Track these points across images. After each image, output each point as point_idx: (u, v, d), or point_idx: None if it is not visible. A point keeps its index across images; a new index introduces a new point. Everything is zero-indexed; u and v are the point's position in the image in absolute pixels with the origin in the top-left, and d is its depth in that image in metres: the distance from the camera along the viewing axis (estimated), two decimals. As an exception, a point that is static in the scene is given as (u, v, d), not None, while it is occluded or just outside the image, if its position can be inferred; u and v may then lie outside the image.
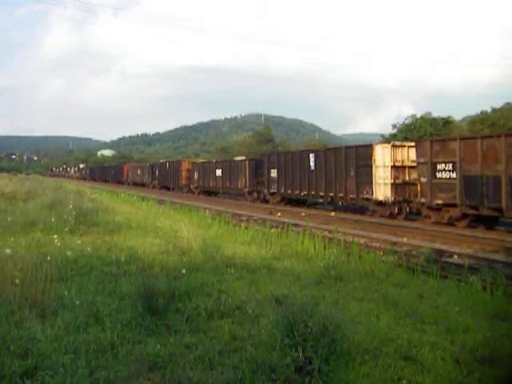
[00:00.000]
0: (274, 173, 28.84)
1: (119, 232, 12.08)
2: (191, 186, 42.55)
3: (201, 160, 47.08)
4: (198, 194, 40.41)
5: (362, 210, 23.26)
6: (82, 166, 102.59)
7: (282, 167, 28.10)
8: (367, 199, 21.64)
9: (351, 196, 22.55)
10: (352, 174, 22.33)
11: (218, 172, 37.33)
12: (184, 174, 44.45)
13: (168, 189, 47.93)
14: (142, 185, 56.23)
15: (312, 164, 25.28)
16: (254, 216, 20.95)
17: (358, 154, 22.16)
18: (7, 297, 5.34)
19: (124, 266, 7.75)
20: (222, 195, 38.69)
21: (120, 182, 65.68)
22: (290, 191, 27.36)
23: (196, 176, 41.70)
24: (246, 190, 33.17)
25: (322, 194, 24.65)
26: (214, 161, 41.44)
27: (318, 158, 25.08)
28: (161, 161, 56.30)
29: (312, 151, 26.65)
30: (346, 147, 24.24)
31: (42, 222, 11.78)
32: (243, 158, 37.92)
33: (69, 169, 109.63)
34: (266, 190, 29.97)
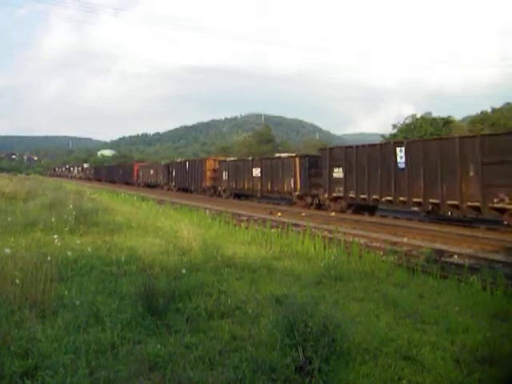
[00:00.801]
0: (338, 172, 23.27)
1: (119, 232, 12.08)
2: (219, 189, 36.45)
3: (231, 158, 39.66)
4: (227, 197, 34.87)
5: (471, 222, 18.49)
6: (85, 165, 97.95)
7: (351, 165, 22.48)
8: (503, 210, 15.70)
9: (471, 204, 16.75)
10: (472, 173, 16.69)
11: (256, 172, 31.24)
12: (208, 174, 38.52)
13: (187, 191, 43.00)
14: (155, 186, 51.75)
15: (401, 160, 19.85)
16: (254, 216, 20.95)
17: (486, 146, 16.27)
18: (7, 297, 5.33)
19: (124, 265, 7.75)
20: (261, 199, 32.49)
21: (129, 183, 61.17)
22: (363, 196, 21.77)
23: (225, 176, 35.59)
24: (296, 193, 26.99)
25: (417, 200, 19.02)
26: (251, 158, 34.45)
27: (409, 151, 19.49)
28: (178, 159, 50.21)
29: (400, 143, 20.97)
30: (462, 137, 18.57)
31: (42, 221, 11.77)
32: (291, 154, 31.16)
33: (72, 169, 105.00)
34: (325, 195, 24.10)
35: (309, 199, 26.24)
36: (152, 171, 54.21)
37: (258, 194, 31.98)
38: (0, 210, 14.49)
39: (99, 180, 75.91)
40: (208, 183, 38.54)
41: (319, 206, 25.30)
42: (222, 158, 40.28)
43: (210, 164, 39.17)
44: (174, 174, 46.65)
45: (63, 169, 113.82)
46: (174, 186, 46.13)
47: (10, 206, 15.66)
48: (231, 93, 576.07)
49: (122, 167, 69.89)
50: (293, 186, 27.27)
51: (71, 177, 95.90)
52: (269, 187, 30.14)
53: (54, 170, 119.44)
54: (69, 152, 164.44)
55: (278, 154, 34.34)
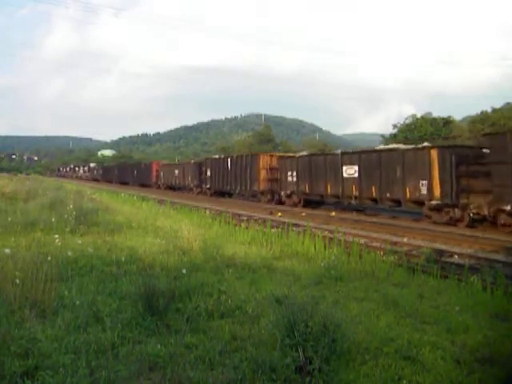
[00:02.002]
0: None
1: (120, 232, 12.08)
2: (281, 193, 28.18)
3: (303, 153, 30.69)
4: (295, 204, 26.55)
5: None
6: (92, 165, 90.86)
7: None
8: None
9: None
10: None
11: (350, 170, 22.64)
12: (263, 174, 30.23)
13: (225, 195, 36.31)
14: (180, 189, 45.72)
15: None
16: (254, 216, 20.94)
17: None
18: (7, 297, 5.33)
19: (124, 265, 7.74)
20: (358, 209, 23.82)
21: (145, 185, 53.99)
22: None
23: (291, 177, 27.07)
24: (433, 202, 18.31)
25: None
26: (340, 152, 24.60)
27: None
28: (216, 156, 41.21)
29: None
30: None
31: (42, 221, 11.78)
32: (424, 144, 20.82)
33: (77, 169, 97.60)
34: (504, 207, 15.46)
35: (457, 212, 17.44)
36: (177, 171, 46.14)
37: (353, 202, 23.24)
38: (0, 209, 14.48)
39: (109, 181, 68.38)
40: (263, 186, 30.26)
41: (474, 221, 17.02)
42: (287, 154, 33.10)
43: (264, 161, 30.76)
44: (208, 174, 37.86)
45: (67, 169, 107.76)
46: (209, 189, 37.81)
47: (10, 206, 15.65)
48: (231, 93, 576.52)
49: (136, 167, 61.72)
50: (426, 191, 18.70)
51: (76, 177, 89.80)
52: (374, 192, 21.30)
53: (59, 170, 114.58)
54: (69, 152, 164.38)
55: (390, 145, 25.75)
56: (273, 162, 30.69)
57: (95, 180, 75.51)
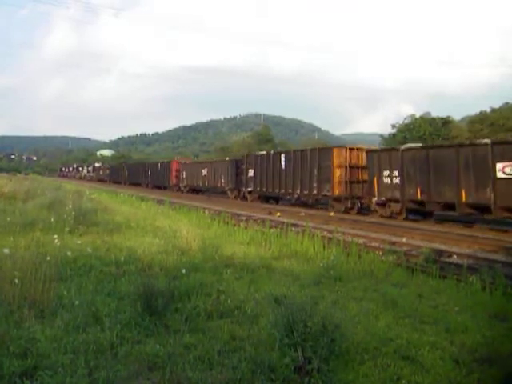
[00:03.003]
0: None
1: (118, 232, 12.07)
2: (374, 200, 21.35)
3: (410, 145, 22.27)
4: (395, 215, 20.33)
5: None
6: (97, 164, 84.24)
7: None
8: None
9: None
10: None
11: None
12: (339, 173, 23.28)
13: (272, 201, 30.27)
14: (208, 192, 40.38)
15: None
16: (253, 216, 20.94)
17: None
18: (6, 297, 5.33)
19: (123, 265, 7.74)
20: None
21: (160, 187, 48.94)
22: None
23: (392, 179, 20.26)
24: None
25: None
26: (489, 142, 16.62)
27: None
28: (262, 152, 32.24)
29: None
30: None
31: (41, 221, 11.76)
32: None
33: (80, 169, 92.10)
34: None
35: None
36: (205, 171, 39.49)
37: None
38: (-1, 209, 14.46)
39: (117, 182, 62.56)
40: (337, 190, 23.36)
41: None
42: (379, 147, 26.77)
43: (341, 157, 23.53)
44: (250, 173, 31.22)
45: (70, 169, 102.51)
46: (250, 193, 31.49)
47: (9, 206, 15.64)
48: (230, 93, 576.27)
49: (151, 166, 54.94)
50: None
51: (80, 178, 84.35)
52: None
53: (61, 170, 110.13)
54: (68, 152, 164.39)
55: None
56: (353, 159, 23.69)
57: (101, 181, 70.10)
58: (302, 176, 25.89)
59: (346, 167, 23.48)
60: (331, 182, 23.65)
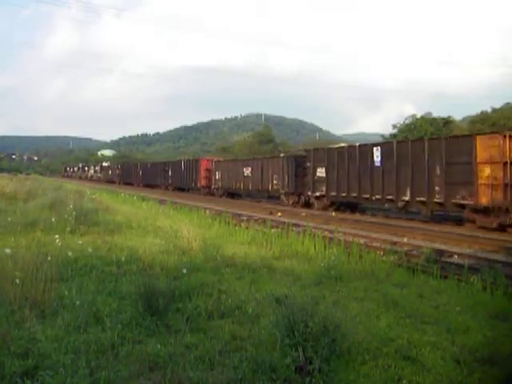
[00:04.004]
0: None
1: (119, 232, 12.08)
2: None
3: None
4: None
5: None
6: (105, 164, 78.25)
7: None
8: None
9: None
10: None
11: None
12: (487, 174, 16.42)
13: (350, 211, 23.52)
14: (251, 196, 34.81)
15: None
16: (254, 216, 20.94)
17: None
18: (7, 297, 5.34)
19: (124, 265, 7.74)
20: None
21: (183, 189, 43.44)
22: None
23: None
24: None
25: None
26: None
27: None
28: (340, 145, 26.91)
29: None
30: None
31: (42, 222, 11.77)
32: None
33: (87, 168, 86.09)
34: None
35: None
36: (248, 170, 32.62)
37: None
38: (0, 209, 14.49)
39: (129, 183, 56.99)
40: (484, 198, 16.51)
41: None
42: None
43: (487, 148, 16.55)
44: (320, 173, 24.69)
45: (75, 169, 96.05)
46: (319, 199, 24.92)
47: (10, 206, 15.65)
48: (231, 93, 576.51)
49: (172, 166, 47.56)
50: None
51: (86, 179, 78.76)
52: None
53: (65, 170, 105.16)
54: (69, 152, 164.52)
55: None
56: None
57: (110, 182, 63.61)
58: (413, 176, 19.37)
59: (502, 164, 16.02)
60: (473, 184, 16.81)
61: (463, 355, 4.59)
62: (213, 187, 38.09)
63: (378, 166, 21.11)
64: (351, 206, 24.07)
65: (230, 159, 40.18)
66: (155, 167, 52.87)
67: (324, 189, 24.68)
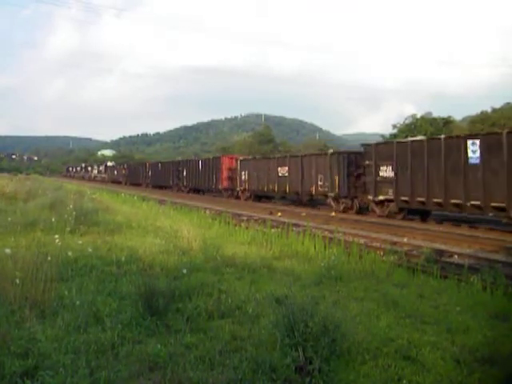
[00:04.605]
0: None
1: (119, 232, 12.08)
2: None
3: None
4: None
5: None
6: (110, 163, 75.21)
7: None
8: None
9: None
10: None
11: None
12: None
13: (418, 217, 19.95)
14: (284, 199, 30.56)
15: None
16: (254, 216, 20.93)
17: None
18: (7, 297, 5.34)
19: (124, 265, 7.75)
20: None
21: (200, 190, 39.66)
22: None
23: None
24: None
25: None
26: None
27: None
28: (417, 138, 22.01)
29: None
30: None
31: (42, 222, 11.78)
32: None
33: (89, 168, 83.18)
34: None
35: None
36: (284, 170, 27.84)
37: None
38: (0, 209, 14.49)
39: (136, 184, 53.94)
40: None
41: None
42: None
43: None
44: (390, 173, 20.17)
45: (78, 169, 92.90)
46: (383, 204, 20.79)
47: (10, 206, 15.66)
48: (231, 93, 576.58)
49: (187, 165, 42.79)
50: None
51: (89, 179, 75.55)
52: None
53: (67, 170, 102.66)
54: (69, 152, 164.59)
55: None
56: None
57: (115, 182, 60.89)
58: None
59: None
60: None
61: (463, 355, 4.59)
62: (238, 189, 33.17)
63: (475, 164, 16.54)
64: (421, 213, 19.98)
65: (261, 157, 34.76)
66: (167, 167, 47.73)
67: (391, 192, 20.10)
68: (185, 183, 42.61)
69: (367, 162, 21.57)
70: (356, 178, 22.65)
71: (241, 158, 35.15)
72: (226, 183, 34.99)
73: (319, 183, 25.00)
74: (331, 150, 27.59)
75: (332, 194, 24.04)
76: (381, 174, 20.73)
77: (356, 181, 22.65)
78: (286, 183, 28.01)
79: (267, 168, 30.05)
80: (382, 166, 20.67)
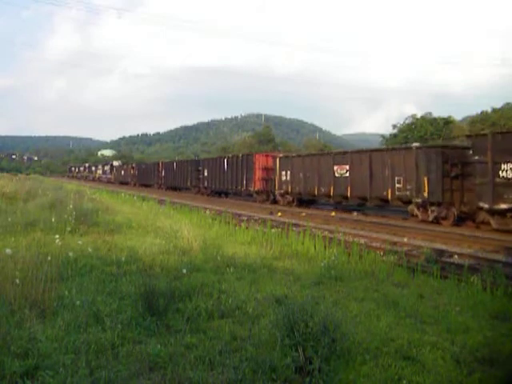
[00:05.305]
0: None
1: (120, 232, 12.08)
2: None
3: None
4: None
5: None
6: (116, 163, 71.13)
7: None
8: None
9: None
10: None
11: None
12: None
13: None
14: (344, 205, 24.89)
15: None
16: (254, 216, 20.94)
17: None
18: (7, 297, 5.33)
19: (124, 265, 7.74)
20: None
21: (224, 193, 36.26)
22: None
23: None
24: None
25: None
26: None
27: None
28: None
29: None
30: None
31: (42, 222, 11.78)
32: None
33: (94, 168, 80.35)
34: None
35: None
36: (344, 169, 22.93)
37: None
38: (0, 210, 14.49)
39: (146, 185, 50.59)
40: None
41: None
42: None
43: None
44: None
45: (81, 169, 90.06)
46: (503, 215, 15.89)
47: (10, 206, 15.65)
48: (231, 93, 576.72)
49: (208, 164, 37.95)
50: None
51: (93, 180, 73.11)
52: None
53: (70, 170, 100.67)
54: (69, 152, 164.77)
55: None
56: None
57: (123, 184, 58.13)
58: None
59: None
60: None
61: (463, 355, 4.60)
62: (277, 192, 28.46)
63: None
64: None
65: (308, 153, 30.44)
66: (184, 166, 43.11)
67: None
68: (206, 184, 37.77)
69: (477, 158, 16.61)
70: (452, 179, 18.22)
71: (280, 155, 30.56)
72: (259, 185, 30.43)
73: (397, 186, 19.95)
74: (417, 144, 22.02)
75: (419, 200, 18.93)
76: (503, 174, 15.69)
77: (452, 183, 18.25)
78: (346, 185, 22.79)
79: (318, 167, 25.04)
80: (506, 163, 15.61)
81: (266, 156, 31.52)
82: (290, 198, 27.62)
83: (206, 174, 37.84)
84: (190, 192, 40.82)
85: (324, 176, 24.53)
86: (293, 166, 27.32)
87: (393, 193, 20.22)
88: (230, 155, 37.03)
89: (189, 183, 41.30)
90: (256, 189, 30.58)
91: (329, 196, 24.51)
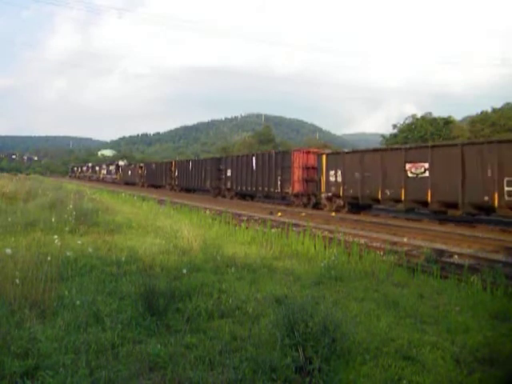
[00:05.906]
0: None
1: (120, 232, 12.08)
2: None
3: None
4: None
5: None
6: (122, 163, 67.63)
7: None
8: None
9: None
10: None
11: None
12: None
13: None
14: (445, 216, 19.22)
15: None
16: (254, 216, 20.94)
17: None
18: (7, 297, 5.33)
19: (124, 265, 7.74)
20: None
21: (249, 196, 31.88)
22: None
23: None
24: None
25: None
26: None
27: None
28: None
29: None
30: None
31: (42, 222, 11.78)
32: None
33: (97, 168, 76.84)
34: None
35: None
36: (421, 168, 18.74)
37: None
38: (0, 210, 14.48)
39: (156, 186, 47.22)
40: None
41: None
42: None
43: None
44: None
45: (83, 169, 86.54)
46: None
47: (10, 206, 15.65)
48: (231, 93, 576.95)
49: (232, 163, 33.35)
50: None
51: (97, 180, 70.46)
52: None
53: (72, 170, 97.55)
54: (69, 152, 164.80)
55: None
56: None
57: (130, 184, 55.45)
58: None
59: None
60: None
61: (463, 355, 4.60)
62: (323, 195, 24.26)
63: None
64: None
65: (367, 149, 24.56)
66: (201, 166, 38.33)
67: None
68: (228, 186, 33.11)
69: None
70: None
71: (327, 151, 26.22)
72: (298, 187, 26.54)
73: (506, 189, 15.50)
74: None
75: None
76: None
77: None
78: (424, 188, 18.66)
79: (381, 165, 20.88)
80: None
81: (307, 153, 27.39)
82: (340, 202, 23.51)
83: (229, 173, 33.19)
84: (208, 194, 36.80)
85: (392, 176, 20.31)
86: (345, 164, 23.12)
87: (501, 198, 15.68)
88: (261, 152, 32.61)
89: (208, 184, 36.61)
90: (295, 191, 26.59)
91: (397, 200, 20.26)
